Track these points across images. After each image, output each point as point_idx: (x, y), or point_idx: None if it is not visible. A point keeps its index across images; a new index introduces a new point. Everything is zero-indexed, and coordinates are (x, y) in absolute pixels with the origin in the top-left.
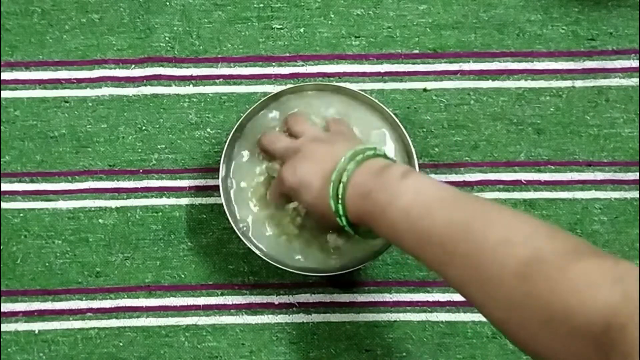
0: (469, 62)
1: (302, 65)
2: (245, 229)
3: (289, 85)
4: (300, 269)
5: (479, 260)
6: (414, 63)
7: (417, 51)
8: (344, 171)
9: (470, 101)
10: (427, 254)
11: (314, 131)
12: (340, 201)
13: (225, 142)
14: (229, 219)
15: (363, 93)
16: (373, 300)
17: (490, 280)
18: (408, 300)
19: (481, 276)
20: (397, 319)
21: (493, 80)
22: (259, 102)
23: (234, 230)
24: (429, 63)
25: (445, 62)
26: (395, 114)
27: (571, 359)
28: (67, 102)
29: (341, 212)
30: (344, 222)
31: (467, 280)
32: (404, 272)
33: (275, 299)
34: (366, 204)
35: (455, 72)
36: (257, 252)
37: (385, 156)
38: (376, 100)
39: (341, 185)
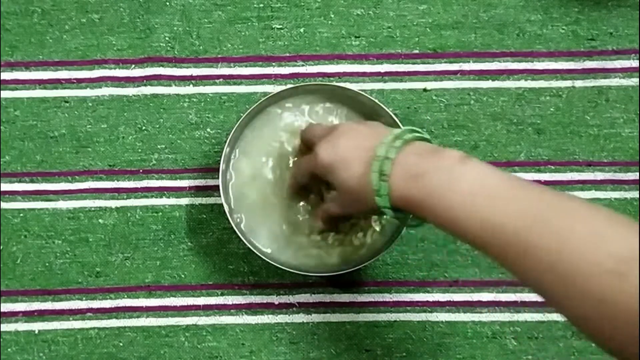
0: (469, 62)
1: (302, 65)
2: (245, 228)
3: (289, 85)
4: (300, 269)
5: (563, 254)
6: (414, 63)
7: (417, 51)
8: (391, 148)
9: (470, 101)
10: (493, 245)
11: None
12: (384, 179)
13: (226, 142)
14: (229, 218)
15: (363, 93)
16: (373, 300)
17: (577, 276)
18: (408, 300)
19: (565, 271)
20: (397, 319)
21: (493, 80)
22: (259, 102)
23: (234, 230)
24: (429, 63)
25: (445, 62)
26: (395, 114)
27: None
28: (67, 102)
29: (383, 191)
30: (385, 203)
31: (544, 274)
32: (404, 272)
33: (275, 299)
34: (418, 187)
35: (455, 72)
36: (257, 252)
37: (430, 141)
38: (376, 101)
39: (388, 161)
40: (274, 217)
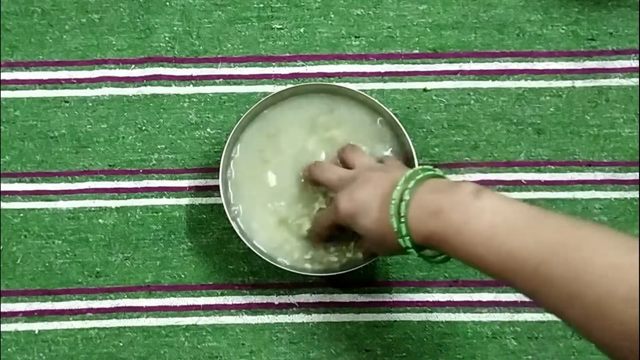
0: (469, 62)
1: (302, 65)
2: (244, 227)
3: (289, 85)
4: (300, 269)
5: (583, 285)
6: (414, 63)
7: (417, 51)
8: (405, 189)
9: (470, 101)
10: (515, 278)
11: (368, 161)
12: (403, 220)
13: (226, 142)
14: (229, 218)
15: (363, 93)
16: (373, 300)
17: (598, 305)
18: (408, 300)
19: (586, 301)
20: (397, 319)
21: (493, 80)
22: (259, 102)
23: (234, 230)
24: (429, 63)
25: (445, 62)
26: (395, 114)
27: None
28: (67, 102)
29: (404, 232)
30: (408, 244)
31: (567, 305)
32: (404, 272)
33: (275, 299)
34: (437, 224)
35: (455, 72)
36: (257, 252)
37: (444, 177)
38: (376, 101)
39: (403, 203)
40: (275, 217)
